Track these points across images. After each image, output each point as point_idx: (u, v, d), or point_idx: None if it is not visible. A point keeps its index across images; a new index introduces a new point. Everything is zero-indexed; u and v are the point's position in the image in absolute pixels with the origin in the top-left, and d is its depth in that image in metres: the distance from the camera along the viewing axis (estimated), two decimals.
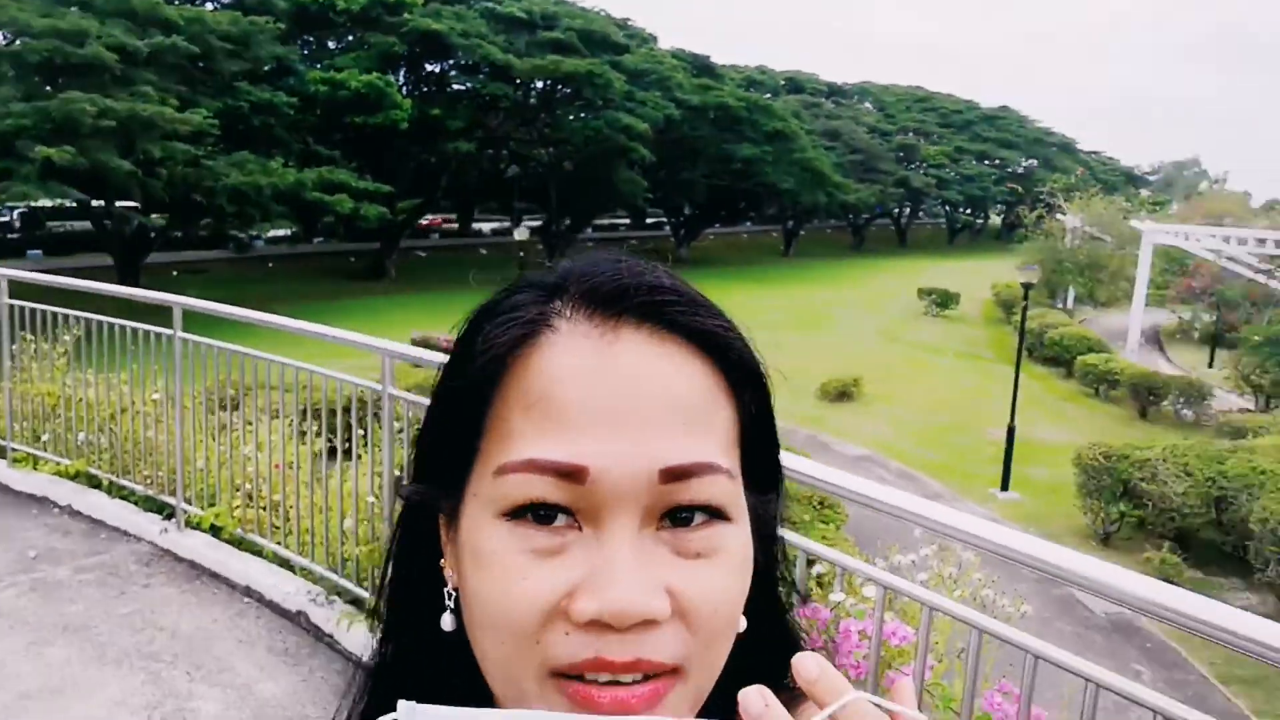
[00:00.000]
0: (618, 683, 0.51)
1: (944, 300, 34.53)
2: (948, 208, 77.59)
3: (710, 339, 0.56)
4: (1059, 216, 34.72)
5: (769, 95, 61.14)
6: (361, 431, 4.00)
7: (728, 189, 54.12)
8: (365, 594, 3.85)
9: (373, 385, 3.80)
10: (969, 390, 23.25)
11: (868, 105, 78.80)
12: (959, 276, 42.33)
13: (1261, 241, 24.67)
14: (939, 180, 68.95)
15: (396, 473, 3.67)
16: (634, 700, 0.51)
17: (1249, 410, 21.19)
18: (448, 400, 0.59)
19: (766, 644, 0.62)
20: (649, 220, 64.81)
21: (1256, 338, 22.68)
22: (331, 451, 4.48)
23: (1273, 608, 11.20)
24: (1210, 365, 26.94)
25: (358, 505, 3.96)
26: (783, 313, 33.65)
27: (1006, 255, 40.99)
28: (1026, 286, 20.18)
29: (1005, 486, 16.18)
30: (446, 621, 0.60)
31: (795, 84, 74.57)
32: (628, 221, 67.13)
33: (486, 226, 57.17)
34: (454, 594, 0.59)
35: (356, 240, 42.48)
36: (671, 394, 0.54)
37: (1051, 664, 1.72)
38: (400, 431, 3.71)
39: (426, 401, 0.64)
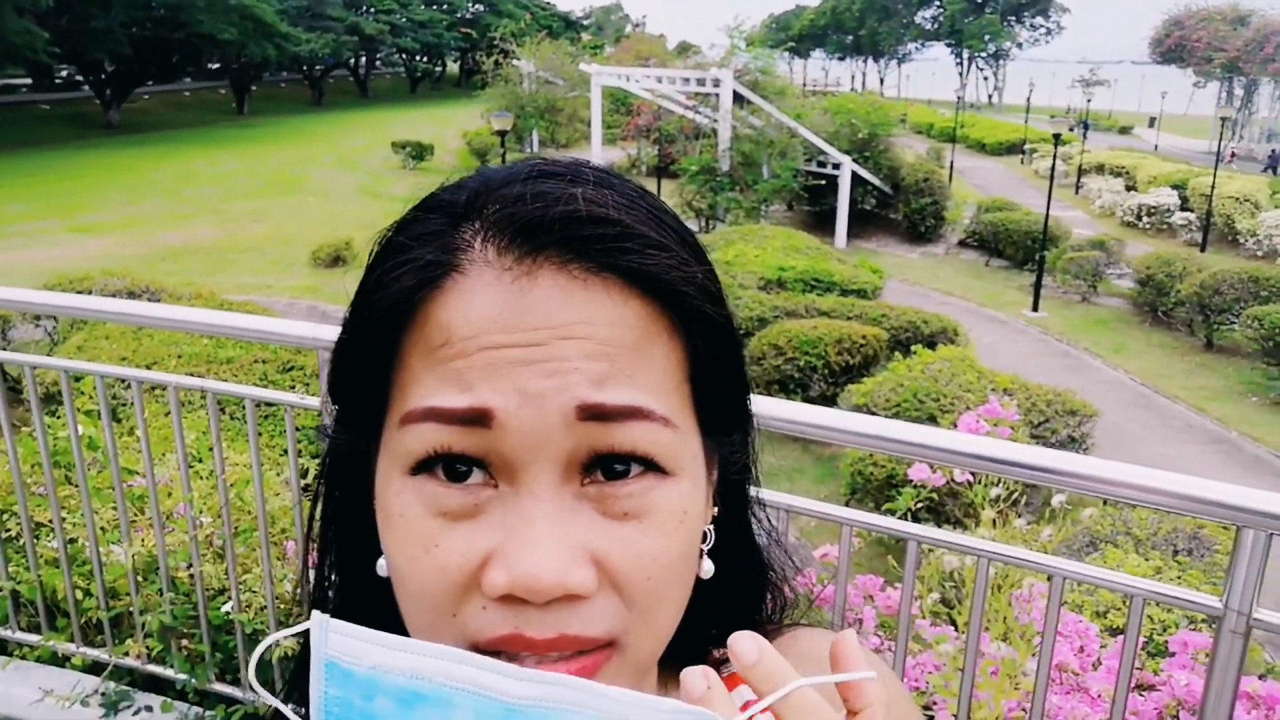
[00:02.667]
0: (544, 659, 0.46)
1: (419, 152, 34.24)
2: (405, 56, 76.21)
3: (645, 277, 0.49)
4: (514, 62, 35.81)
5: None
6: None
7: (156, 40, 47.38)
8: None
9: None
10: None
11: None
12: (428, 127, 42.17)
13: (686, 80, 27.80)
14: (392, 27, 67.07)
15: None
16: None
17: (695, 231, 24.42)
18: (350, 346, 0.53)
19: (736, 589, 0.59)
20: (61, 79, 54.76)
21: (693, 168, 25.84)
22: None
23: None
24: (658, 194, 30.37)
25: None
26: (253, 178, 30.85)
27: (469, 103, 41.65)
28: (503, 134, 20.70)
29: None
30: (381, 567, 0.53)
31: None
32: (29, 82, 56.24)
33: None
34: None
35: None
36: (594, 340, 0.47)
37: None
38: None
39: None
